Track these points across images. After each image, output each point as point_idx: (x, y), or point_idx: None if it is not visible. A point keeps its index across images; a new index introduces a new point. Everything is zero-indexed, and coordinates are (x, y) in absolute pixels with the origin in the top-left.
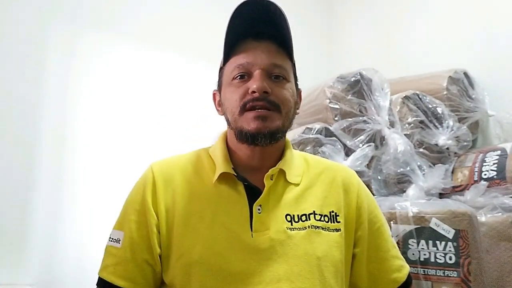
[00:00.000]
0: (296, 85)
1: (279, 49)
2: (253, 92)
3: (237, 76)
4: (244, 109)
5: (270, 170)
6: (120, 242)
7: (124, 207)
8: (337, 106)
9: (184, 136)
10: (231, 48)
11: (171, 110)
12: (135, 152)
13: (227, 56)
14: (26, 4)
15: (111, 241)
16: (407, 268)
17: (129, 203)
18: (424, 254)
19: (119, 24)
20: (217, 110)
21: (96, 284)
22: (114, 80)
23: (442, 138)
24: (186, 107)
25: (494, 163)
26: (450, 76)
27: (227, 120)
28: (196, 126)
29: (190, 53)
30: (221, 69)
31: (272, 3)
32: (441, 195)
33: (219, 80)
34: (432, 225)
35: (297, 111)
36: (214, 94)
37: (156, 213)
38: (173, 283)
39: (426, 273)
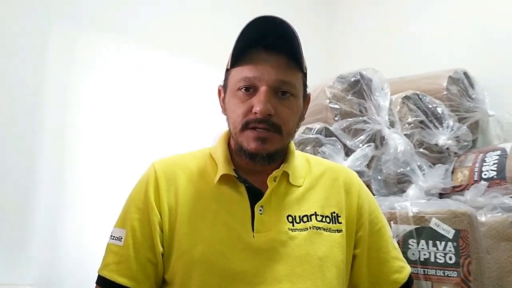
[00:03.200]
0: (305, 93)
1: (290, 62)
2: (256, 113)
3: (243, 88)
4: (246, 127)
5: (274, 172)
6: (122, 240)
7: (126, 205)
8: (337, 106)
9: (185, 135)
10: (240, 54)
11: (172, 109)
12: (136, 152)
13: (235, 61)
14: (27, 4)
15: (113, 239)
16: (408, 269)
17: (131, 201)
18: (424, 254)
19: (119, 24)
20: (221, 106)
21: (96, 283)
22: (115, 80)
23: (442, 138)
24: (186, 106)
25: (494, 163)
26: (450, 76)
27: (229, 127)
28: (197, 125)
29: (191, 53)
30: (227, 70)
31: (286, 22)
32: (441, 195)
33: (225, 80)
34: (432, 225)
35: (303, 119)
36: (219, 90)
37: (160, 211)
38: (174, 282)
39: (426, 273)
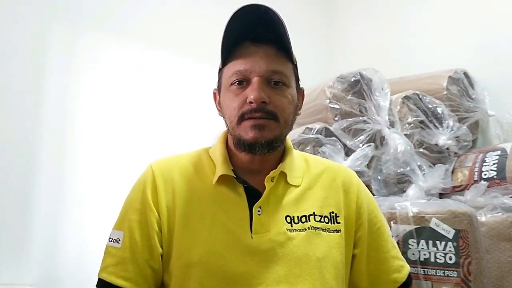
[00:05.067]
0: (298, 85)
1: (278, 52)
2: (251, 102)
3: (235, 82)
4: (242, 119)
5: (271, 172)
6: (119, 242)
7: (124, 206)
8: (337, 106)
9: (184, 135)
10: (229, 51)
11: (171, 109)
12: (135, 152)
13: (225, 59)
14: (26, 4)
15: (111, 241)
16: (407, 268)
17: (129, 202)
18: (424, 254)
19: (119, 23)
20: (218, 109)
21: (96, 286)
22: (114, 79)
23: (442, 138)
24: (186, 106)
25: (494, 163)
26: (450, 76)
27: (226, 125)
28: (196, 125)
29: (190, 52)
30: (220, 70)
31: (271, 9)
32: (441, 195)
33: (218, 80)
34: (432, 225)
35: (299, 111)
36: (214, 94)
37: (158, 211)
38: (172, 283)
39: (426, 273)
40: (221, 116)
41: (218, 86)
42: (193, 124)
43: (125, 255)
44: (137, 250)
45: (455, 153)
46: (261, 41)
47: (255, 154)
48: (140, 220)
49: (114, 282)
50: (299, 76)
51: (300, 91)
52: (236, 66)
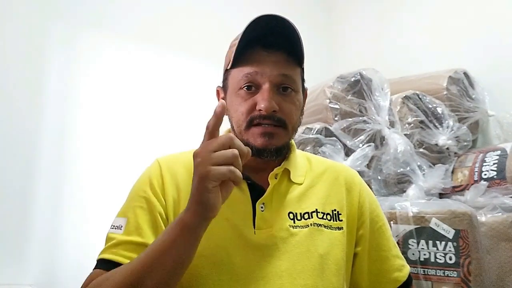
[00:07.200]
0: (303, 87)
1: (288, 57)
2: (260, 110)
3: (244, 87)
4: (250, 124)
5: (275, 169)
6: (122, 228)
7: (129, 196)
8: (337, 106)
9: (185, 136)
10: (240, 54)
11: (172, 109)
12: (135, 152)
13: (235, 61)
14: (25, 4)
15: (113, 228)
16: (407, 268)
17: (135, 191)
18: (424, 254)
19: (119, 23)
20: None
21: (94, 269)
22: (114, 79)
23: (442, 138)
24: (186, 106)
25: (494, 163)
26: (450, 76)
27: (232, 126)
28: (196, 125)
29: (190, 52)
30: (227, 70)
31: (287, 20)
32: (441, 195)
33: (224, 80)
34: (432, 225)
35: (303, 112)
36: (217, 91)
37: (165, 201)
38: None
39: (426, 273)
40: (226, 115)
41: (223, 86)
42: (194, 124)
43: (127, 239)
44: (142, 234)
45: (455, 153)
46: (273, 47)
47: (263, 160)
48: (146, 207)
49: (113, 258)
50: None
51: (305, 92)
52: (246, 70)
